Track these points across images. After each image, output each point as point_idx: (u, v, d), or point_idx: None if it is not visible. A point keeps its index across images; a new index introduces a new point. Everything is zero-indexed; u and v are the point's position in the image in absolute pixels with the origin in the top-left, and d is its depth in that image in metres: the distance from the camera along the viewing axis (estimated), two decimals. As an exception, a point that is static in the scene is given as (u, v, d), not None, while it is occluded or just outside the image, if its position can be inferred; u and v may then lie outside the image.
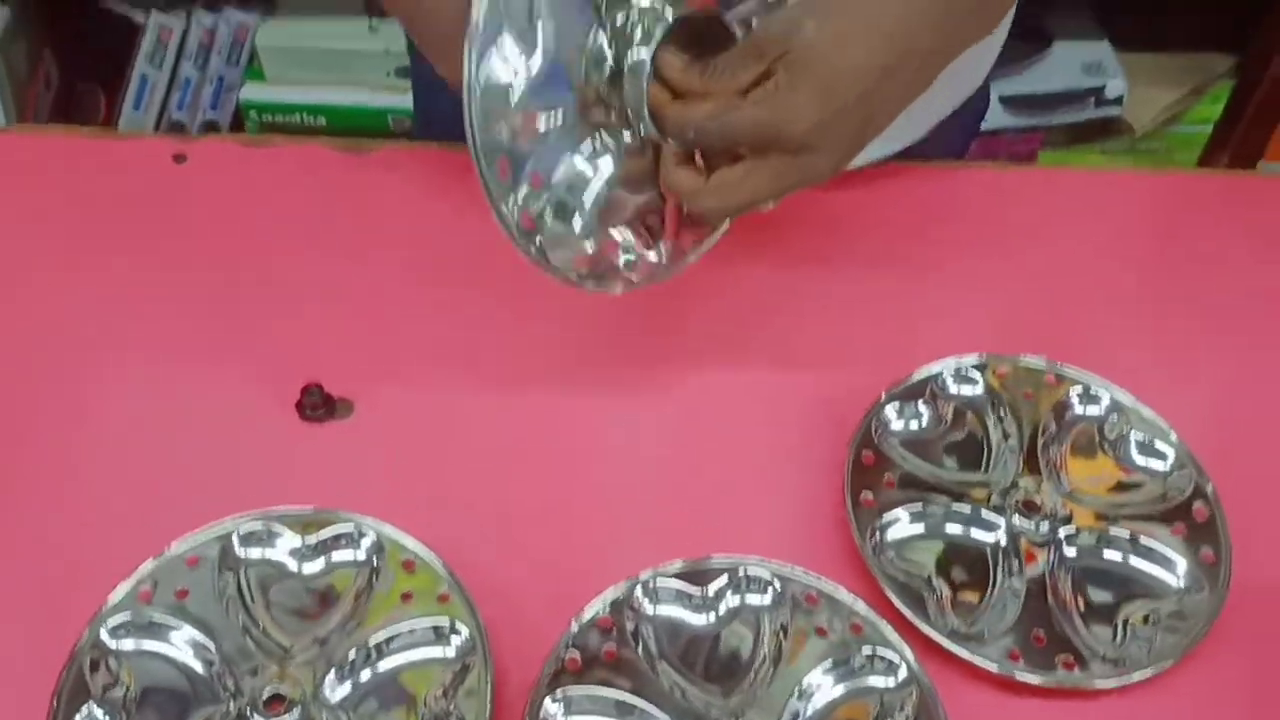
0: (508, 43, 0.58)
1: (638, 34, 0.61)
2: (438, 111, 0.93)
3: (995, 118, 1.37)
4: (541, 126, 0.61)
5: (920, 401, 0.74)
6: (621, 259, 0.67)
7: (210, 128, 1.49)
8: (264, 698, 0.59)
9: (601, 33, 0.61)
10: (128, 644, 0.61)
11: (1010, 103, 1.37)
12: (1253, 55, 1.43)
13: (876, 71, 0.60)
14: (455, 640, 0.62)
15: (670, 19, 0.61)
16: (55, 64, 1.50)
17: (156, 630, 0.61)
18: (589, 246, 0.65)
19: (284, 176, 0.87)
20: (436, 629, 0.62)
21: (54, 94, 1.51)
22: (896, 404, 0.73)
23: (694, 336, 0.79)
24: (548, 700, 0.60)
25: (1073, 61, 1.39)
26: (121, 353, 0.76)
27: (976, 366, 0.75)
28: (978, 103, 0.94)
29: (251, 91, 1.47)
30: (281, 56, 1.44)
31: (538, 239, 0.63)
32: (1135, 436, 0.72)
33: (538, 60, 0.60)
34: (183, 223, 0.84)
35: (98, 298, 0.79)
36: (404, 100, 0.99)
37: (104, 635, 0.60)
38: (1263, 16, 1.39)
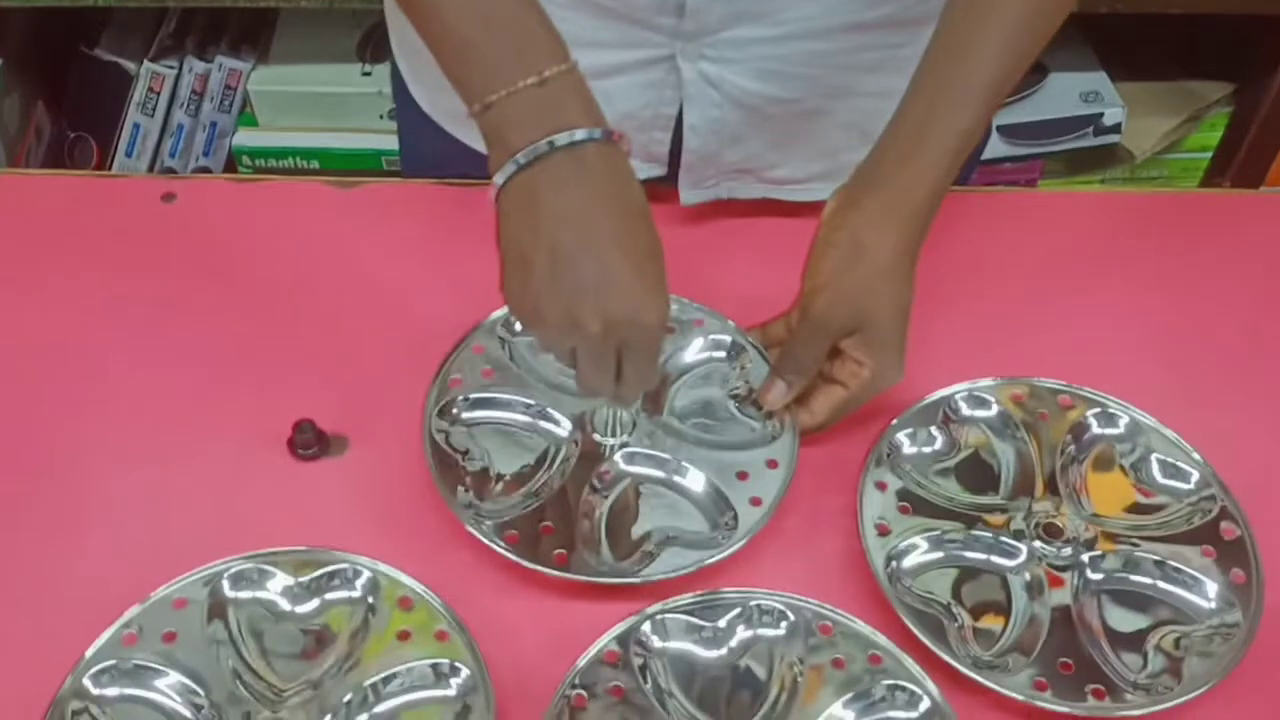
0: None
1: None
2: (423, 148, 0.92)
3: (994, 147, 1.36)
4: None
5: (933, 426, 0.71)
6: None
7: (203, 174, 1.47)
8: (256, 744, 0.56)
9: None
10: (111, 691, 0.58)
11: (1009, 131, 1.36)
12: (1249, 82, 1.43)
13: (912, 293, 0.69)
14: (455, 680, 0.59)
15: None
16: (47, 114, 1.50)
17: (142, 676, 0.58)
18: None
19: (272, 212, 0.86)
20: (435, 668, 0.59)
21: (46, 144, 1.50)
22: (909, 429, 0.71)
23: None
24: (554, 743, 0.57)
25: (1070, 90, 1.38)
26: (109, 389, 0.74)
27: (990, 389, 0.73)
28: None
29: (244, 137, 1.46)
30: (274, 101, 1.44)
31: None
32: (1157, 456, 0.70)
33: None
34: (172, 261, 0.82)
35: (86, 336, 0.77)
36: (396, 142, 0.99)
37: (86, 682, 0.58)
38: (1258, 43, 1.39)
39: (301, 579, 0.62)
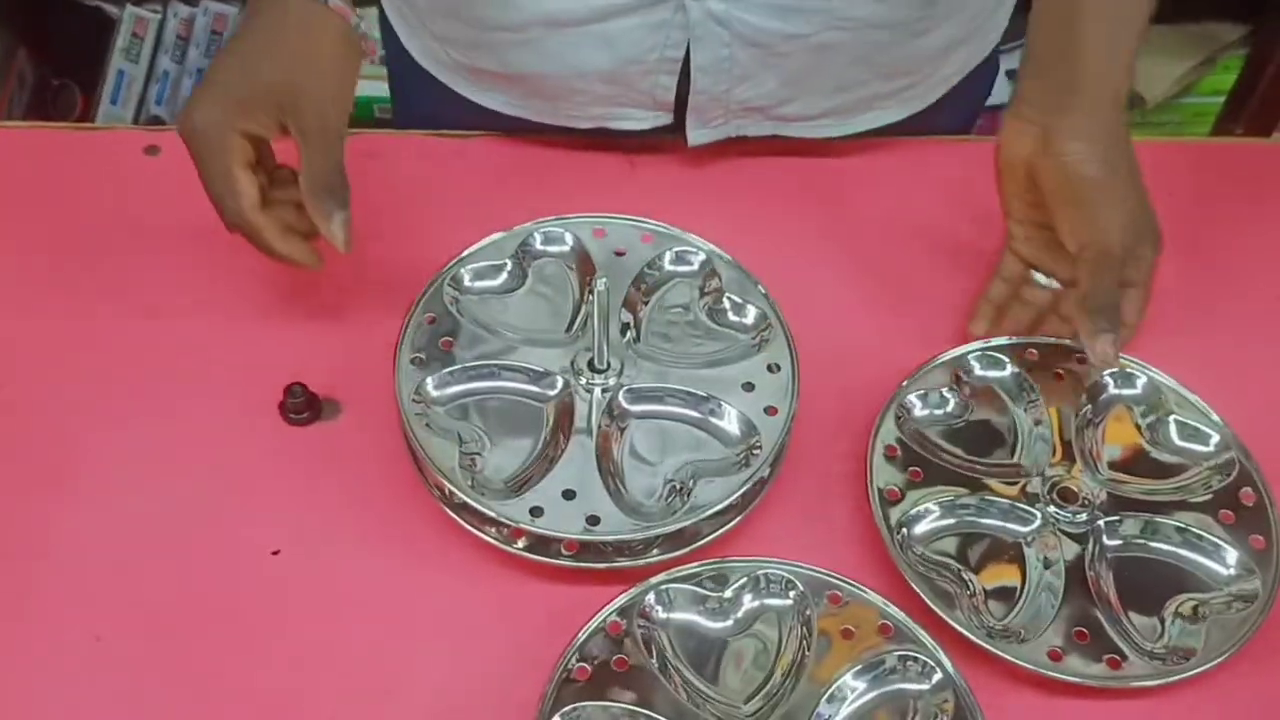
0: None
1: None
2: (416, 98, 0.89)
3: (1002, 92, 1.33)
4: None
5: (944, 388, 0.69)
6: None
7: (191, 123, 1.44)
8: None
9: None
10: None
11: (1017, 76, 1.33)
12: (1265, 24, 1.40)
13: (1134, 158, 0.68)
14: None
15: None
16: (29, 61, 1.46)
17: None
18: None
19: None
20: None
21: (29, 92, 1.46)
22: (919, 390, 0.69)
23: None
24: (557, 717, 0.55)
25: (1081, 33, 1.34)
26: (93, 350, 0.72)
27: (1003, 348, 0.71)
28: (986, 74, 0.91)
29: (233, 84, 1.43)
30: (262, 47, 1.40)
31: None
32: (1175, 418, 0.68)
33: None
34: (156, 216, 0.79)
35: (70, 296, 0.75)
36: (388, 89, 0.95)
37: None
38: (1274, -17, 1.35)
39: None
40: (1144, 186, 0.68)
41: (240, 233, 0.67)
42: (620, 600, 0.60)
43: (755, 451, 0.64)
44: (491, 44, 0.78)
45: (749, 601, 0.61)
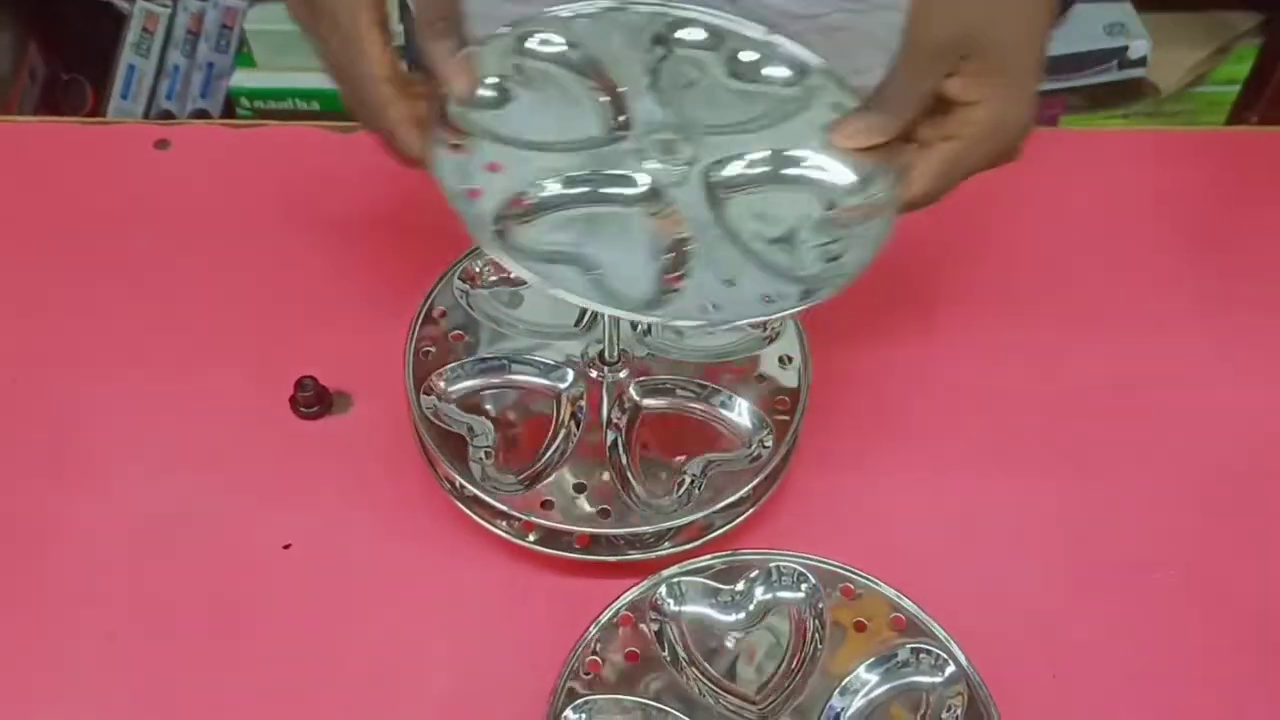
0: None
1: None
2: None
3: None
4: None
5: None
6: None
7: (200, 116, 1.44)
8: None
9: None
10: None
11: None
12: None
13: (1049, 17, 0.55)
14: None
15: None
16: (40, 56, 1.46)
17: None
18: None
19: (270, 160, 0.83)
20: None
21: (40, 86, 1.47)
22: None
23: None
24: (569, 711, 0.55)
25: (1094, 22, 1.34)
26: (103, 344, 0.72)
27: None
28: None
29: (242, 78, 1.43)
30: (272, 41, 1.40)
31: None
32: None
33: None
34: (167, 211, 0.79)
35: (79, 290, 0.75)
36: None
37: None
38: (1289, -30, 1.34)
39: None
40: (1034, 40, 0.55)
41: (364, 113, 0.56)
42: (632, 593, 0.59)
43: (766, 444, 0.64)
44: (501, 17, 0.78)
45: (761, 594, 0.60)
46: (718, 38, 0.63)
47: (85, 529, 0.64)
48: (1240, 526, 0.66)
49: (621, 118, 0.59)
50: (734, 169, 0.58)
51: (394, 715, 0.59)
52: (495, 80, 0.59)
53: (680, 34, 0.62)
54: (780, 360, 0.67)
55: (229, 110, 1.47)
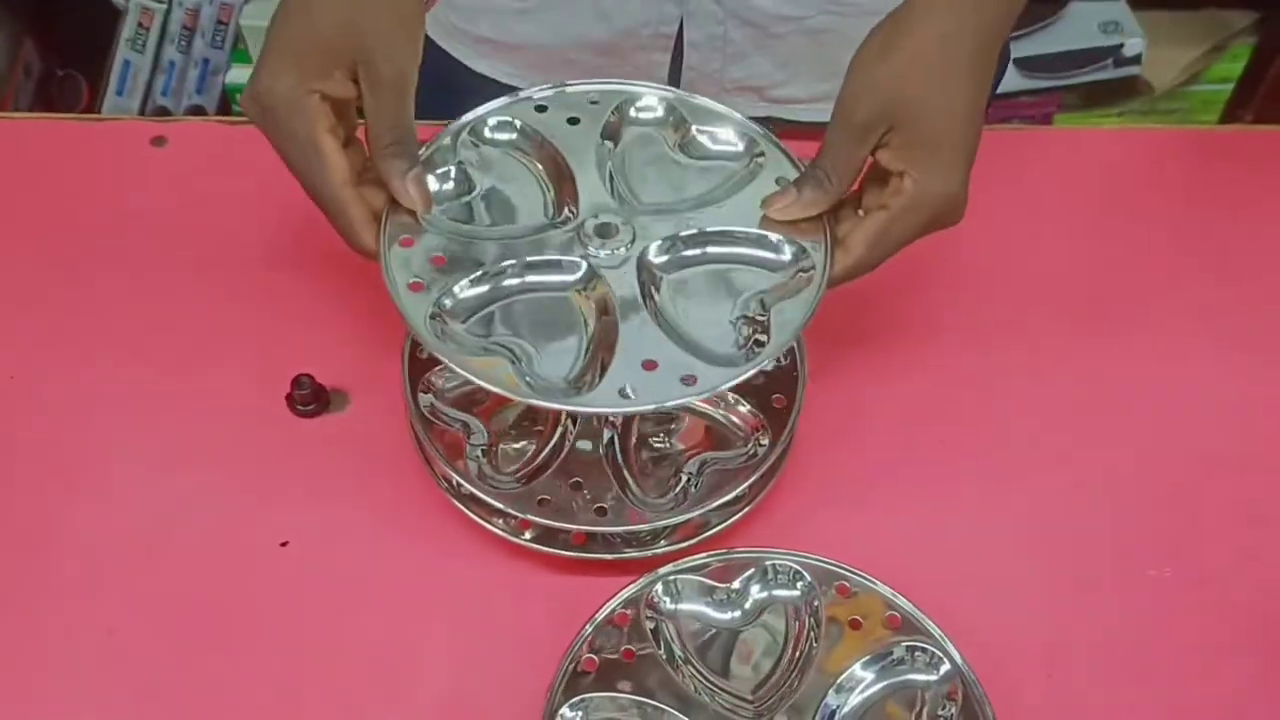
0: None
1: None
2: (425, 81, 0.88)
3: (1011, 81, 1.33)
4: None
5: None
6: None
7: (196, 113, 1.44)
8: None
9: None
10: None
11: (1026, 64, 1.32)
12: (1274, 10, 1.39)
13: (980, 93, 0.56)
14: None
15: None
16: (35, 52, 1.46)
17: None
18: None
19: (267, 156, 0.82)
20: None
21: (35, 82, 1.46)
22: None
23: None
24: (565, 708, 0.55)
25: (1089, 20, 1.34)
26: (99, 343, 0.72)
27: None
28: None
29: (238, 75, 1.42)
30: (268, 37, 1.40)
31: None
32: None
33: None
34: (163, 208, 0.79)
35: (75, 288, 0.75)
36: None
37: None
38: (1284, -31, 1.34)
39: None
40: (960, 116, 0.56)
41: (325, 211, 0.60)
42: (628, 591, 0.60)
43: (763, 443, 0.64)
44: (494, 10, 0.79)
45: (757, 592, 0.60)
46: (671, 112, 0.65)
47: (82, 525, 0.64)
48: (1237, 526, 0.66)
49: (569, 201, 0.61)
50: (669, 250, 0.60)
51: (390, 711, 0.59)
52: (449, 169, 0.62)
53: (633, 111, 0.65)
54: (778, 359, 0.67)
55: (225, 106, 1.46)
